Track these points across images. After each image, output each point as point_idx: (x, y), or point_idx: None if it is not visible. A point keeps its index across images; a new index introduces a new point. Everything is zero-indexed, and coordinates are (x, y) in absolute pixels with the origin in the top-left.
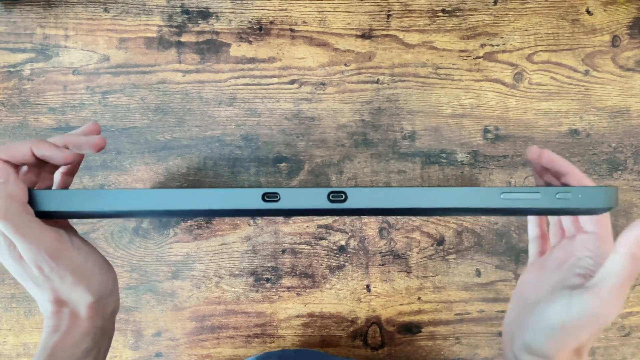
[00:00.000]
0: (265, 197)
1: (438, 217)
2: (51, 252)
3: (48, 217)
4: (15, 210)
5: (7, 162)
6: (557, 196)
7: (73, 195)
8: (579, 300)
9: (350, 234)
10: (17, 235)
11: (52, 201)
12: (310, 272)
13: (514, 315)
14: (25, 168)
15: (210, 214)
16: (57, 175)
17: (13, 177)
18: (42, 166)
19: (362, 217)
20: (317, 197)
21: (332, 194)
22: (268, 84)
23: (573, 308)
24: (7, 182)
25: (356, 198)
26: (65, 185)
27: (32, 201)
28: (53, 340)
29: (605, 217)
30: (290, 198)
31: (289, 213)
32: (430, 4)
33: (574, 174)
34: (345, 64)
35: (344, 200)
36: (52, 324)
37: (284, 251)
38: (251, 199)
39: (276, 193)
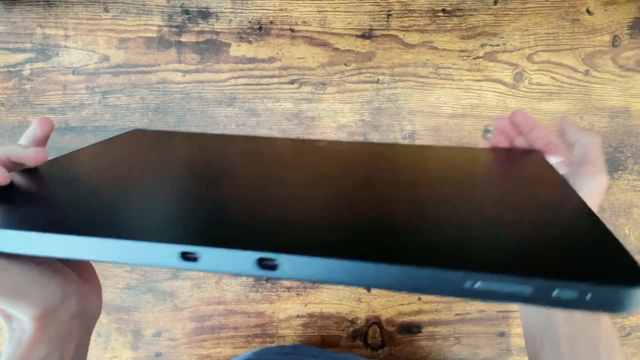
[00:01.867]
0: (183, 256)
1: None
2: None
3: None
4: None
5: None
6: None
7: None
8: (584, 181)
9: None
10: None
11: None
12: None
13: None
14: None
15: (128, 264)
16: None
17: None
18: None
19: None
20: (243, 262)
21: (261, 261)
22: (268, 84)
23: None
24: None
25: (289, 268)
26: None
27: None
28: (8, 350)
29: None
30: (211, 259)
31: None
32: (431, 4)
33: (540, 131)
34: (345, 64)
35: (275, 269)
36: (7, 335)
37: None
38: (168, 256)
39: (193, 252)
